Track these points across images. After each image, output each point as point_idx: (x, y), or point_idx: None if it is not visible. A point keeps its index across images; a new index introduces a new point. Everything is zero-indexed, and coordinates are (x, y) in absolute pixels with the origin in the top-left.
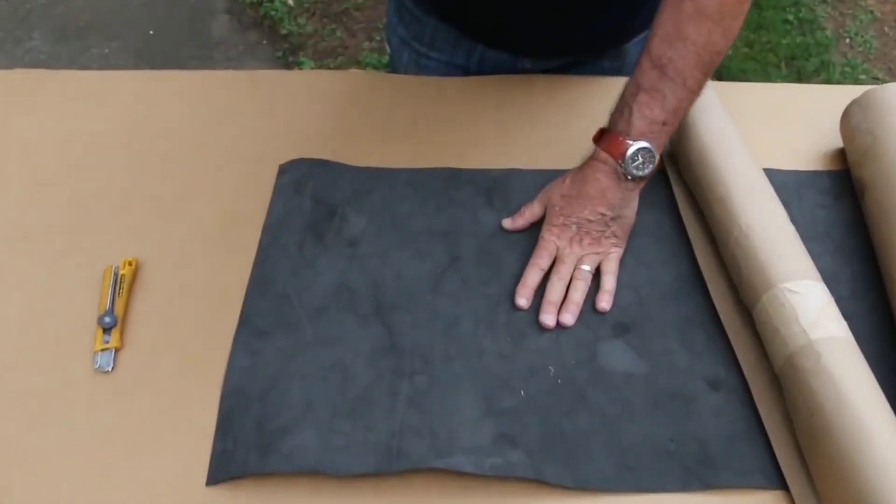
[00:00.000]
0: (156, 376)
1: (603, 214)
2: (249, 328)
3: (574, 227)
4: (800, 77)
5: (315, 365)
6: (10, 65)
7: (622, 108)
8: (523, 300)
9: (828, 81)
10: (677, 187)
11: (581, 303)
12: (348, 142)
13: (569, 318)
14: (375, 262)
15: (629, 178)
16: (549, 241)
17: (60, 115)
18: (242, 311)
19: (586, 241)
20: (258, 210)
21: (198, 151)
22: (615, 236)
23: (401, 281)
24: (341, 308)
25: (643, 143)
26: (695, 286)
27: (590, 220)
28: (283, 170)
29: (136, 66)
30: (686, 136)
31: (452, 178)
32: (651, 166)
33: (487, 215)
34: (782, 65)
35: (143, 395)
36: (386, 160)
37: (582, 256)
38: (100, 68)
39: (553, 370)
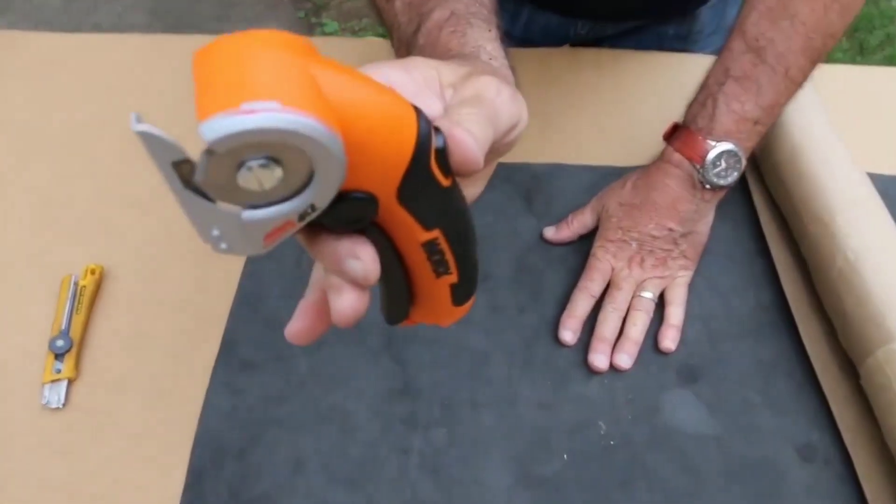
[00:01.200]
0: (116, 417)
1: (671, 230)
2: (232, 359)
3: (634, 245)
4: (862, 51)
5: (309, 411)
6: (17, 21)
7: (704, 99)
8: (569, 334)
9: (893, 56)
10: (759, 195)
11: (641, 340)
12: None
13: (625, 360)
14: None
15: (707, 186)
16: (603, 261)
17: (26, 86)
18: (224, 338)
19: (649, 261)
20: None
21: (188, 133)
22: (684, 257)
23: None
24: (344, 338)
25: (728, 145)
26: (780, 322)
27: (654, 237)
28: None
29: (150, 25)
30: (772, 132)
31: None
32: (736, 174)
33: (525, 222)
34: (843, 37)
35: (98, 439)
36: None
37: (643, 281)
38: (112, 27)
39: (604, 427)
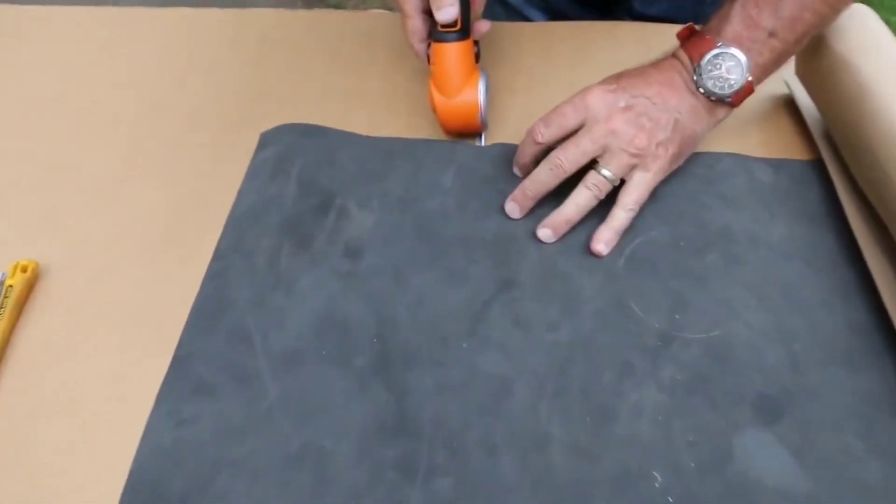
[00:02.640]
0: (34, 448)
1: (667, 105)
2: (183, 380)
3: (627, 99)
4: None
5: (275, 450)
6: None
7: (726, 6)
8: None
9: None
10: (845, 189)
11: (574, 221)
12: (362, 105)
13: (546, 234)
14: (384, 284)
15: (701, 90)
16: (576, 107)
17: None
18: (177, 352)
19: (632, 127)
20: (226, 198)
21: (155, 111)
22: (666, 147)
23: (421, 317)
24: (326, 356)
25: (732, 50)
26: (880, 346)
27: (653, 103)
28: (266, 140)
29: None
30: (860, 110)
31: (507, 161)
32: (735, 89)
33: None
34: None
35: (8, 475)
36: (412, 131)
37: (612, 150)
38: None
39: (660, 479)
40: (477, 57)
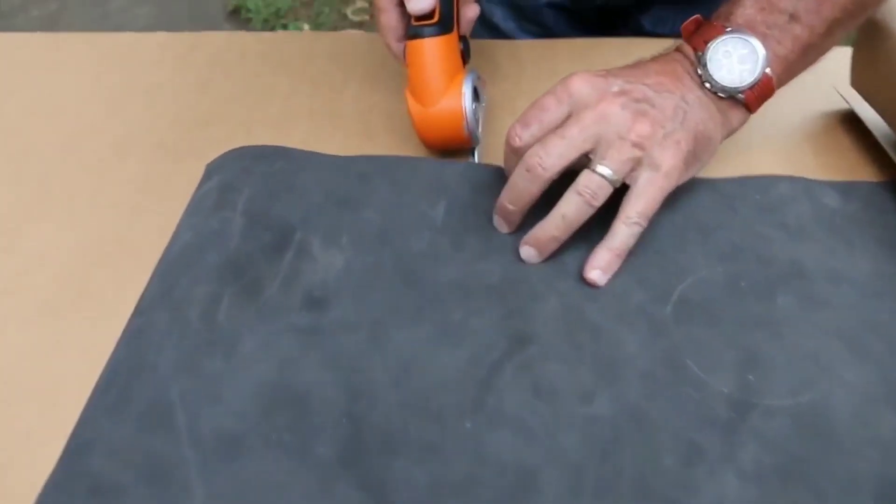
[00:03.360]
0: None
1: (671, 94)
2: (76, 477)
3: (620, 84)
4: None
5: None
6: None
7: None
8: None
9: None
10: None
11: (562, 239)
12: (331, 128)
13: (530, 254)
14: (357, 344)
15: (707, 84)
16: (574, 84)
17: None
18: (72, 439)
19: (629, 111)
20: (156, 242)
21: (76, 141)
22: (677, 141)
23: (407, 387)
24: (276, 442)
25: (744, 35)
26: None
27: (655, 91)
28: (211, 171)
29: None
30: None
31: None
32: (748, 82)
33: (575, 255)
34: None
35: None
36: (392, 152)
37: (611, 142)
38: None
39: None
40: (465, 56)
